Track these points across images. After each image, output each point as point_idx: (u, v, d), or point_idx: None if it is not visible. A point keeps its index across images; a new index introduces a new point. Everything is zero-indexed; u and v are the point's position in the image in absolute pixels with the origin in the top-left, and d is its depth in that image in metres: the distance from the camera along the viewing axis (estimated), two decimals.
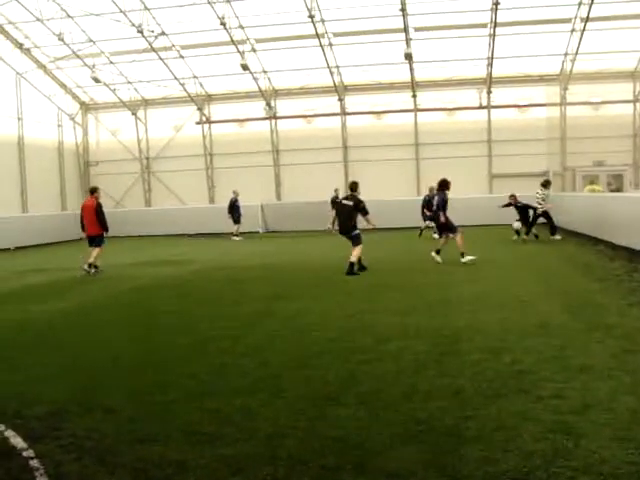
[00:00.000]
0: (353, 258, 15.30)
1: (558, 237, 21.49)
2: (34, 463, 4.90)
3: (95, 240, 18.17)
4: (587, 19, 27.16)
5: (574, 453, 4.64)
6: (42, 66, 34.09)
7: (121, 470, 4.74)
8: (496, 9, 27.12)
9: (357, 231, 15.54)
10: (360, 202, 15.49)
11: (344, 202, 15.85)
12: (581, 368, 6.70)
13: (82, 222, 18.22)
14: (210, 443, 5.16)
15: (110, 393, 6.61)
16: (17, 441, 5.37)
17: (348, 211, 15.51)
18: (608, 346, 7.59)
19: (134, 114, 36.82)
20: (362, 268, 15.63)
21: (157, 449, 5.09)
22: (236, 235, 29.27)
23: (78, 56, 32.38)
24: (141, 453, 5.03)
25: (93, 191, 19.16)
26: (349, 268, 15.12)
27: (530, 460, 4.56)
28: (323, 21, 29.43)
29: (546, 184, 22.50)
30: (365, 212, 15.50)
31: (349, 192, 15.98)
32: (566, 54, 30.89)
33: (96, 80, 32.79)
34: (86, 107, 38.34)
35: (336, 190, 31.41)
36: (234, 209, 29.58)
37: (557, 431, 5.03)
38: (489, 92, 33.32)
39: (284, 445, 5.06)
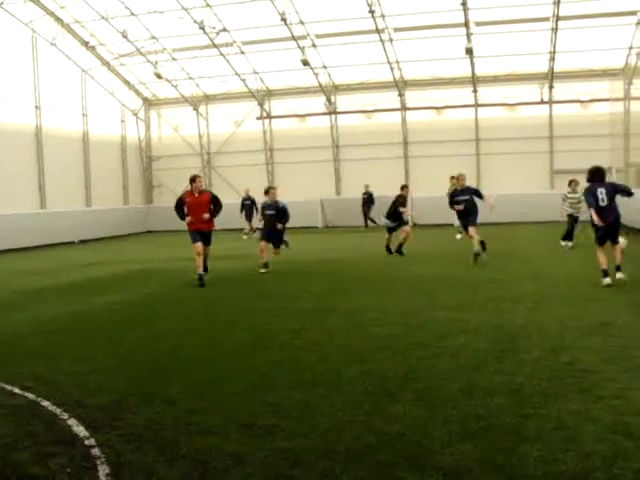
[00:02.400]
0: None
1: (568, 244, 19.59)
2: (95, 452, 5.01)
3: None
4: None
5: (635, 455, 4.56)
6: (106, 63, 34.69)
7: (180, 461, 4.82)
8: (558, 2, 26.68)
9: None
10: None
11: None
12: None
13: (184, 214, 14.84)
14: (268, 436, 5.21)
15: (170, 385, 6.73)
16: (79, 430, 5.50)
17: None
18: None
19: (195, 109, 37.23)
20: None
21: (215, 441, 5.15)
22: (246, 233, 29.15)
23: (141, 53, 32.89)
24: (199, 445, 5.10)
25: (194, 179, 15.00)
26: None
27: (589, 461, 4.49)
28: (383, 16, 29.27)
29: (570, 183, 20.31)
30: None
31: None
32: (631, 47, 30.06)
33: (158, 76, 33.21)
34: (149, 103, 38.92)
35: (366, 186, 32.11)
36: (243, 207, 29.79)
37: (618, 432, 4.95)
38: (551, 87, 32.83)
39: (341, 440, 5.08)
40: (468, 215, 16.76)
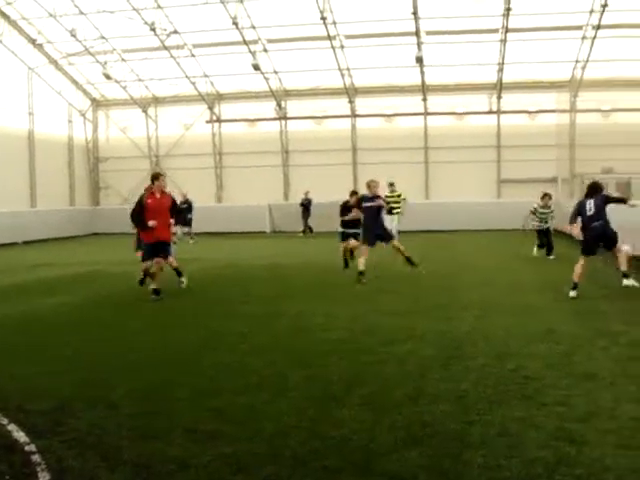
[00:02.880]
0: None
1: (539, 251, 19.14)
2: (36, 458, 4.90)
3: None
4: (598, 27, 27.18)
5: (577, 461, 4.62)
6: (54, 62, 34.16)
7: (123, 466, 4.75)
8: (508, 15, 27.13)
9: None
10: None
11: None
12: (585, 375, 6.69)
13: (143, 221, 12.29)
14: (212, 441, 5.17)
15: (114, 389, 6.62)
16: (19, 435, 5.37)
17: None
18: (613, 354, 7.58)
19: (145, 111, 36.90)
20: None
21: (159, 446, 5.09)
22: (192, 237, 28.20)
23: (90, 52, 32.48)
24: (143, 450, 5.04)
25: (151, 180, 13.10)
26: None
27: (533, 467, 4.54)
28: (335, 23, 29.42)
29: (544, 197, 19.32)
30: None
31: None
32: (577, 61, 30.90)
33: (107, 77, 32.84)
34: (97, 103, 38.43)
35: (306, 193, 31.77)
36: (180, 211, 28.19)
37: (560, 438, 5.02)
38: (499, 97, 33.35)
39: (287, 445, 5.06)
40: (369, 227, 15.03)
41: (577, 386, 6.35)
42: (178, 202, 26.73)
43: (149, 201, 12.51)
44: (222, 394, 6.38)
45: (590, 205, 12.11)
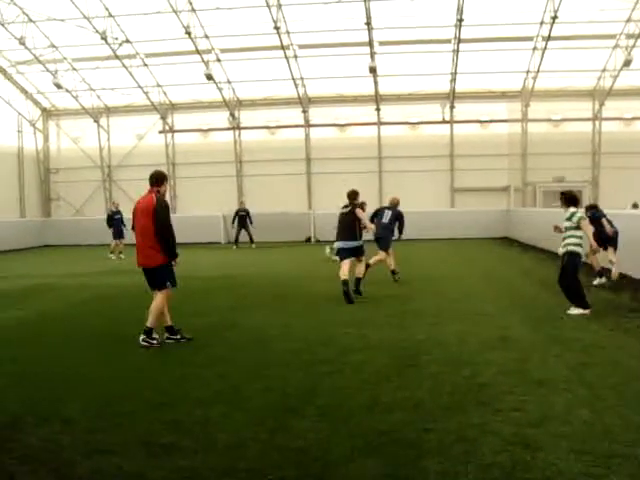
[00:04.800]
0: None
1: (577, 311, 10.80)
2: None
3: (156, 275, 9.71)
4: (549, 38, 27.69)
5: (532, 465, 4.67)
6: (2, 70, 33.55)
7: None
8: (460, 25, 27.46)
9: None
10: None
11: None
12: (540, 381, 6.76)
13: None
14: (168, 454, 5.11)
15: (68, 404, 6.51)
16: None
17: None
18: (566, 360, 7.67)
19: (96, 122, 36.44)
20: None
21: (115, 460, 5.01)
22: (112, 252, 25.44)
23: (40, 61, 31.94)
24: (98, 464, 4.95)
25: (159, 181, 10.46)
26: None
27: (489, 472, 4.58)
28: (288, 33, 29.47)
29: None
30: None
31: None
32: (528, 71, 31.44)
33: (58, 86, 32.35)
34: (47, 113, 37.88)
35: (241, 202, 31.33)
36: (113, 222, 25.91)
37: (516, 443, 5.07)
38: (452, 107, 33.64)
39: (244, 457, 5.02)
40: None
41: (532, 392, 6.42)
42: (110, 213, 25.62)
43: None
44: (177, 407, 6.31)
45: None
